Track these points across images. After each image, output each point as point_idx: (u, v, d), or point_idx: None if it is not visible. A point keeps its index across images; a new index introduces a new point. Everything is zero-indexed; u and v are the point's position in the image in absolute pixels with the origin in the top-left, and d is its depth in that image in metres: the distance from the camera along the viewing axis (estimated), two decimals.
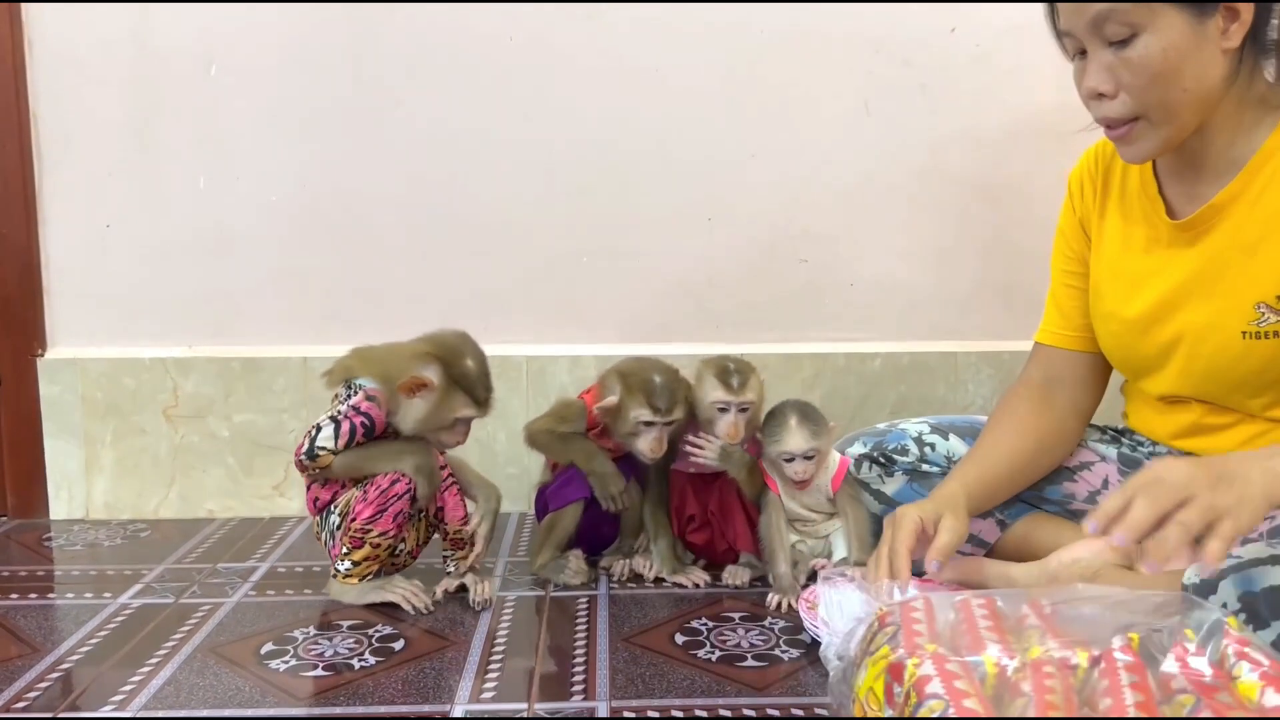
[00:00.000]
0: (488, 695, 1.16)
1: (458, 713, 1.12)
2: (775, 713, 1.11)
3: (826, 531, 1.48)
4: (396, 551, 1.46)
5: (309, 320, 1.88)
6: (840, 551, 1.45)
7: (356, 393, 1.41)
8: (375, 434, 1.41)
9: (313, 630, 1.35)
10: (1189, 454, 1.34)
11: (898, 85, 1.84)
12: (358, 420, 1.39)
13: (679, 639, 1.31)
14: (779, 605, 1.39)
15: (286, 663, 1.25)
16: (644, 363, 1.50)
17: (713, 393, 1.46)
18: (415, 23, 1.80)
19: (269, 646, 1.30)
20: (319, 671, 1.23)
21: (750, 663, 1.23)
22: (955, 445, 1.45)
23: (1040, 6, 1.20)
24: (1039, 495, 1.42)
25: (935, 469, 1.44)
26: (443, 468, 1.46)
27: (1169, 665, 0.83)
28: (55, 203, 1.84)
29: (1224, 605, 1.00)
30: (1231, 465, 0.95)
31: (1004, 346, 1.88)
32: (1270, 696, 0.81)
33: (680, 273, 1.88)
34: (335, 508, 1.43)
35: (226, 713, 1.13)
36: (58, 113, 1.82)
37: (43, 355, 1.86)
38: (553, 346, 1.88)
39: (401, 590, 1.42)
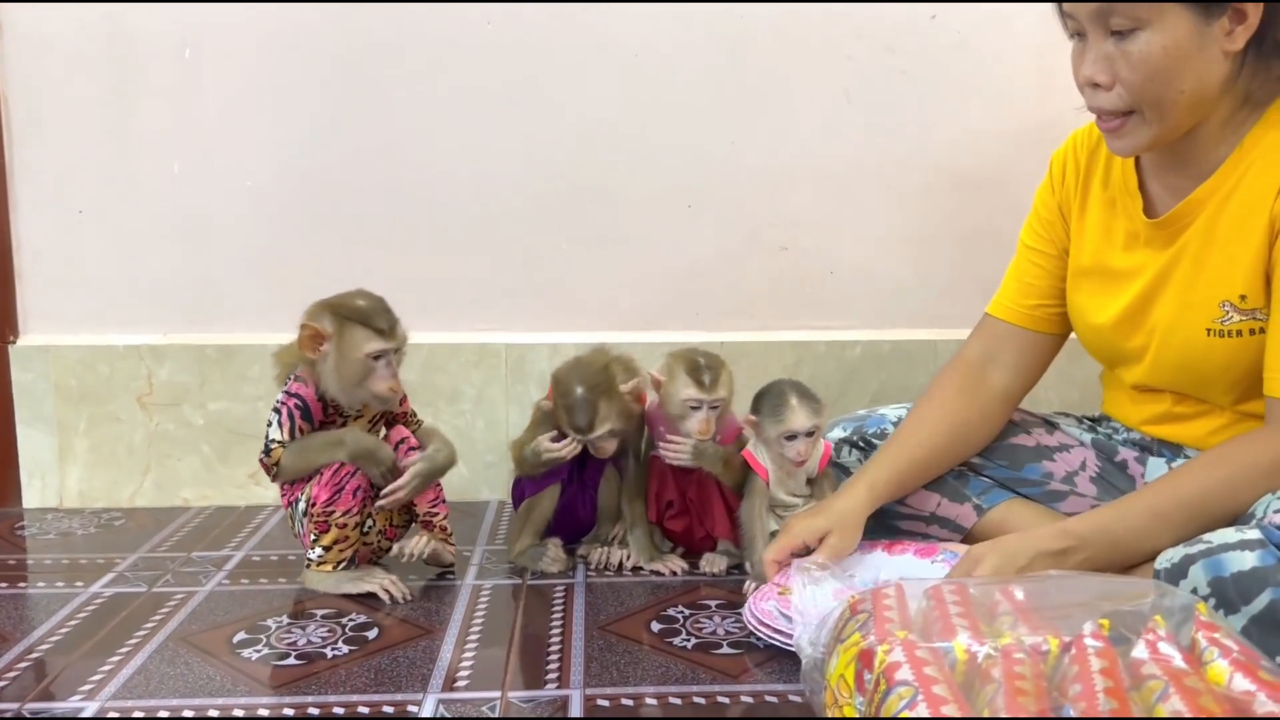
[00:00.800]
0: (461, 683, 1.15)
1: (430, 701, 1.11)
2: (749, 700, 1.11)
3: None
4: (366, 530, 1.45)
5: (285, 307, 1.83)
6: None
7: (292, 380, 1.41)
8: (313, 417, 1.40)
9: (286, 619, 1.34)
10: (1160, 440, 1.35)
11: (879, 72, 1.83)
12: (291, 404, 1.39)
13: (655, 626, 1.30)
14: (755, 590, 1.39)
15: (258, 651, 1.24)
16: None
17: (684, 390, 1.45)
18: (393, 7, 1.78)
19: (241, 635, 1.29)
20: (291, 660, 1.22)
21: (725, 650, 1.23)
22: None
23: None
24: (1017, 477, 1.42)
25: None
26: (401, 443, 1.44)
27: (1139, 651, 0.83)
28: (27, 187, 1.81)
29: (1194, 590, 1.01)
30: (1078, 532, 1.16)
31: None
32: (1239, 681, 0.81)
33: (660, 260, 1.87)
34: (301, 495, 1.42)
35: (196, 701, 1.12)
36: (29, 95, 1.79)
37: (15, 342, 1.83)
38: (532, 334, 1.87)
39: (379, 580, 1.41)
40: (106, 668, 1.20)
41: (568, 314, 1.88)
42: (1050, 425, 1.47)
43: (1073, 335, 1.41)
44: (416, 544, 1.46)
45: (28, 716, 1.09)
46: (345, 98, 1.81)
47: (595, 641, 1.26)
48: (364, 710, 1.09)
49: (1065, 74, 1.21)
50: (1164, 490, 1.17)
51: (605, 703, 1.10)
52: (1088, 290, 1.34)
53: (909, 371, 1.88)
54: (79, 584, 1.47)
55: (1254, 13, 1.10)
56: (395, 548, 1.48)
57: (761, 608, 1.24)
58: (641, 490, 1.55)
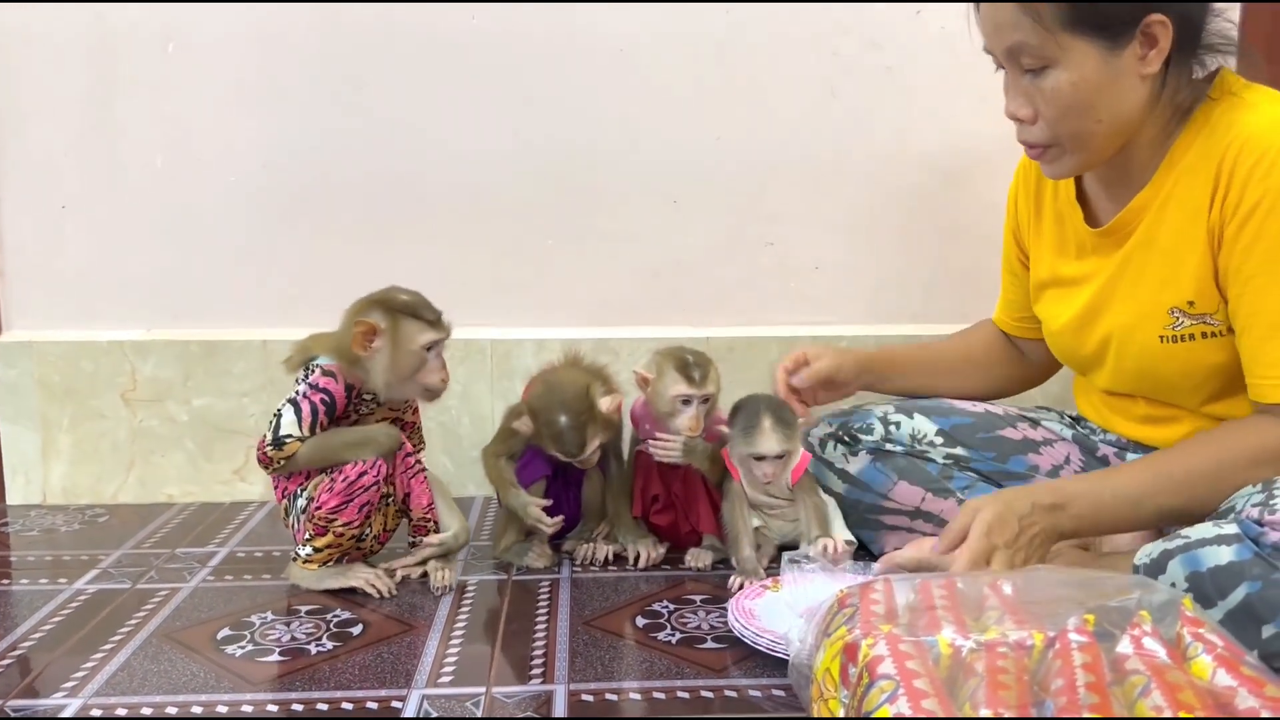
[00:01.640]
0: (445, 679, 1.15)
1: (414, 696, 1.11)
2: (732, 694, 1.11)
3: (794, 515, 1.48)
4: (362, 538, 1.44)
5: (269, 303, 1.85)
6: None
7: (314, 372, 1.39)
8: (336, 412, 1.39)
9: (270, 615, 1.34)
10: (1136, 443, 1.37)
11: (863, 68, 1.83)
12: (317, 398, 1.37)
13: (640, 621, 1.30)
14: (741, 587, 1.39)
15: (243, 648, 1.24)
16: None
17: (674, 386, 1.45)
18: (376, 4, 1.78)
19: (225, 631, 1.28)
20: (275, 656, 1.22)
21: (710, 645, 1.23)
22: (921, 424, 1.45)
23: None
24: (1004, 470, 1.43)
25: (899, 448, 1.44)
26: (412, 454, 1.46)
27: (1123, 646, 0.84)
28: (9, 182, 1.80)
29: (1173, 585, 1.02)
30: (1069, 490, 1.15)
31: None
32: (1222, 677, 0.81)
33: (646, 255, 1.87)
34: (303, 491, 1.41)
35: (180, 698, 1.11)
36: (11, 89, 1.78)
37: None
38: (518, 330, 1.87)
39: (364, 575, 1.40)
40: (90, 664, 1.19)
41: (553, 309, 1.88)
42: (1033, 421, 1.48)
43: None
44: (435, 573, 1.44)
45: (11, 714, 1.09)
46: (329, 93, 1.81)
47: (580, 637, 1.26)
48: (348, 706, 1.09)
49: None
50: (1154, 464, 1.19)
51: (589, 698, 1.10)
52: (1047, 299, 1.39)
53: None
54: (62, 581, 1.46)
55: (1164, 35, 1.12)
56: (398, 573, 1.45)
57: (743, 606, 1.24)
58: (626, 489, 1.56)
